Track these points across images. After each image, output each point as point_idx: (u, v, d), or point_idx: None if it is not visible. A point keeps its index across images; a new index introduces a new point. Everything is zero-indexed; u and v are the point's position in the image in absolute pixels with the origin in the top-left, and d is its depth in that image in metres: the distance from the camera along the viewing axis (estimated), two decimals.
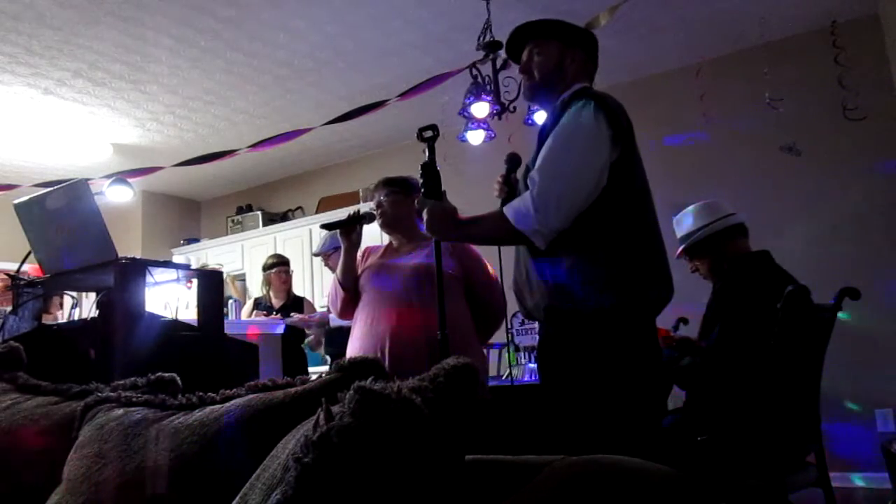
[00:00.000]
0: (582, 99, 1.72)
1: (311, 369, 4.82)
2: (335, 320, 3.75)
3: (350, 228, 2.49)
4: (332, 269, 4.03)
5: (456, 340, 2.16)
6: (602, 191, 1.66)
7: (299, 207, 6.52)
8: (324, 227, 2.59)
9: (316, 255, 4.23)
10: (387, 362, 2.30)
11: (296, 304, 4.33)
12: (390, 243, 2.66)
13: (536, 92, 1.92)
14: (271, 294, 4.41)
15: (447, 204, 1.80)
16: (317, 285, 5.89)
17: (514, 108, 3.43)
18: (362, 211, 2.58)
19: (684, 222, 2.55)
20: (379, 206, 2.56)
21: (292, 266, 5.32)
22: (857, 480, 3.79)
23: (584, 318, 1.65)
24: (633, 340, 1.67)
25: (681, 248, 2.54)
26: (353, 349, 2.44)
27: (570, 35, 1.91)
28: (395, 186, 2.56)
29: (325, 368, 4.57)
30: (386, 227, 2.59)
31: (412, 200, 2.48)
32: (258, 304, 4.45)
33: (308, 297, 5.11)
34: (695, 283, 2.75)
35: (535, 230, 1.64)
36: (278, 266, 4.42)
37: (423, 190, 1.83)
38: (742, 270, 2.36)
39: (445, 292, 2.16)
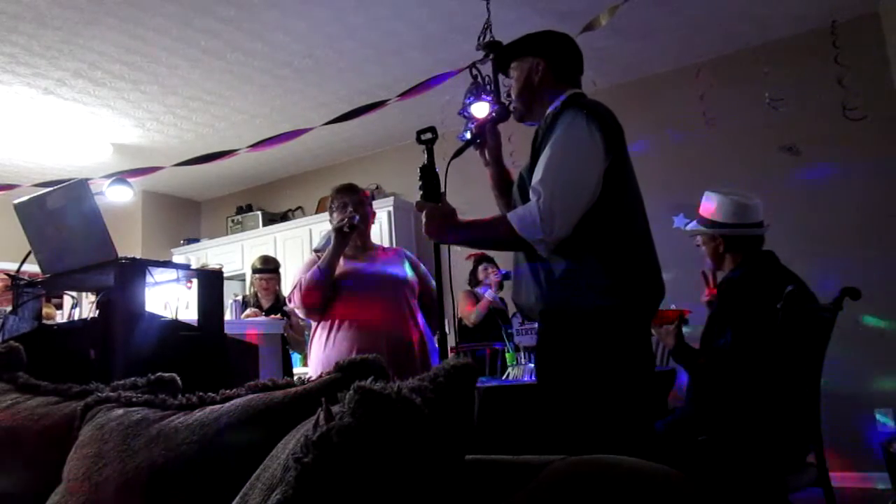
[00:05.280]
0: (572, 108, 1.74)
1: (296, 370, 4.81)
2: None
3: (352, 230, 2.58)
4: None
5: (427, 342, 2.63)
6: (596, 198, 1.69)
7: (299, 207, 6.52)
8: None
9: (317, 251, 4.22)
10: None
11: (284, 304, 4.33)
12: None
13: (518, 113, 1.97)
14: (259, 295, 4.43)
15: (446, 206, 1.80)
16: None
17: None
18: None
19: (730, 205, 2.42)
20: (357, 210, 2.65)
21: (291, 266, 5.32)
22: (857, 480, 3.79)
23: (578, 319, 1.68)
24: (625, 342, 1.69)
25: (720, 233, 2.43)
26: (340, 350, 2.50)
27: (533, 46, 1.91)
28: (362, 195, 2.76)
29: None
30: (357, 231, 2.64)
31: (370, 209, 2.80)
32: (246, 304, 4.42)
33: None
34: (692, 284, 2.76)
35: (539, 239, 1.66)
36: (258, 272, 4.42)
37: (421, 192, 1.83)
38: (750, 272, 2.35)
39: (410, 300, 2.65)
